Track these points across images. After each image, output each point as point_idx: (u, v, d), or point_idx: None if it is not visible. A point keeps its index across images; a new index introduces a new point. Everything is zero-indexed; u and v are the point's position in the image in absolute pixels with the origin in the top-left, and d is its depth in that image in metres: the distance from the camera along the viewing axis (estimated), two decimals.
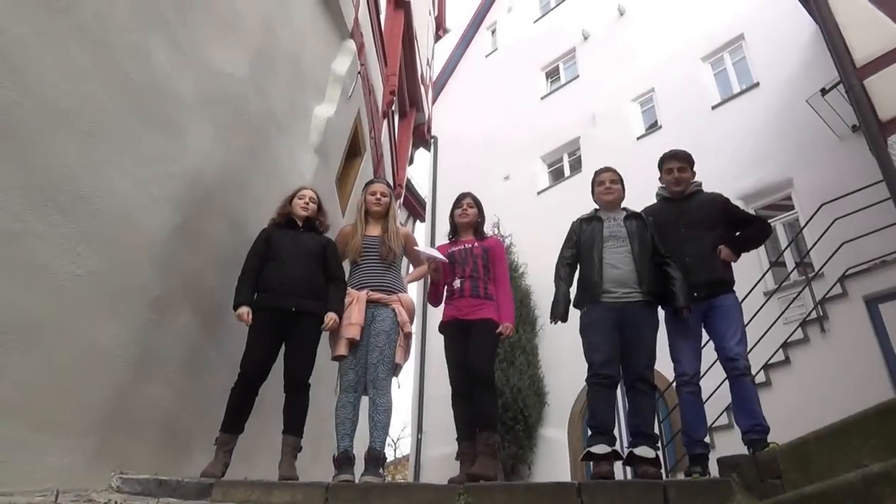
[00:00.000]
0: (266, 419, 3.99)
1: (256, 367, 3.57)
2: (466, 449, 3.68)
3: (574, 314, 3.80)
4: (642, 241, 3.75)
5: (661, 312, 3.76)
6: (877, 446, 2.20)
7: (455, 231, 4.23)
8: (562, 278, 3.85)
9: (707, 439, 3.55)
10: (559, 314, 3.76)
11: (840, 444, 2.39)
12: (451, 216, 4.24)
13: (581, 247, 3.85)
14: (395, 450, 25.10)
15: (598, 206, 4.05)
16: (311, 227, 4.07)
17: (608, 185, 3.98)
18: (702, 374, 3.73)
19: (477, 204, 4.21)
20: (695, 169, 4.08)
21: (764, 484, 2.71)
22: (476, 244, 4.06)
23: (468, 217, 4.15)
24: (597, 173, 4.12)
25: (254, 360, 3.58)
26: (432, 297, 4.20)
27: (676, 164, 4.02)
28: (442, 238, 4.45)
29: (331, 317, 3.70)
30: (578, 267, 3.87)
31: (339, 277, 3.93)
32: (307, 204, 4.05)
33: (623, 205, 4.02)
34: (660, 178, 4.12)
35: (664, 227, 3.88)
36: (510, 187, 12.88)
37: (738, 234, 3.93)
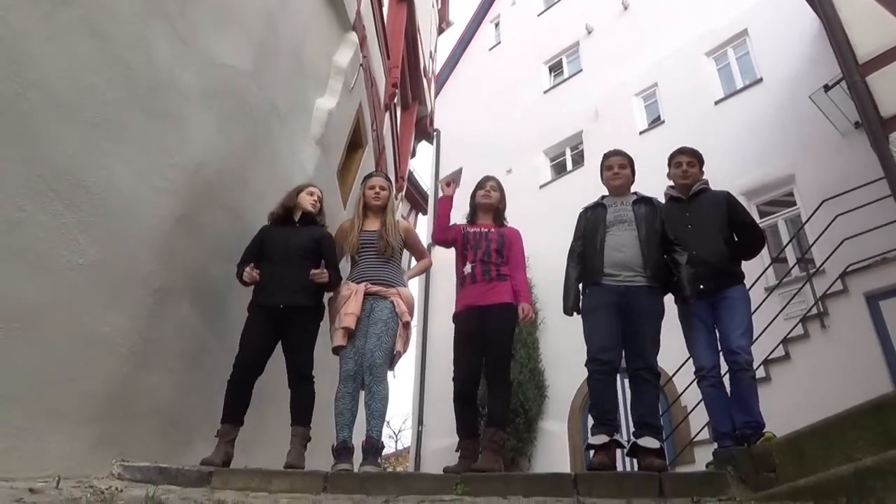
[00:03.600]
0: (265, 411, 4.02)
1: (248, 361, 3.61)
2: (468, 447, 3.62)
3: None
4: (650, 226, 3.67)
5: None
6: (871, 440, 2.22)
7: (474, 213, 4.14)
8: (570, 272, 3.79)
9: (737, 431, 3.46)
10: (569, 308, 3.73)
11: (834, 438, 2.40)
12: (473, 197, 4.15)
13: (585, 233, 3.80)
14: (396, 442, 25.22)
15: (606, 191, 4.01)
16: (308, 221, 4.07)
17: (616, 169, 3.92)
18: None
19: (500, 188, 4.15)
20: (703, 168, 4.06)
21: (759, 477, 2.73)
22: (493, 229, 3.98)
23: (490, 199, 4.07)
24: (605, 157, 4.05)
25: (246, 355, 3.62)
26: (437, 221, 4.05)
27: (685, 158, 3.99)
28: None
29: (322, 270, 3.76)
30: None
31: (333, 266, 3.94)
32: (316, 202, 4.07)
33: (645, 196, 3.91)
34: (668, 175, 4.08)
35: (671, 224, 3.81)
36: (512, 181, 12.75)
37: (735, 240, 3.87)
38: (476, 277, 3.82)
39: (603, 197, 3.99)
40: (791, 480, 2.39)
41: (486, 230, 3.97)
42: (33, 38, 2.59)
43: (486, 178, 4.18)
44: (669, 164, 4.08)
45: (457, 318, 3.88)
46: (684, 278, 3.57)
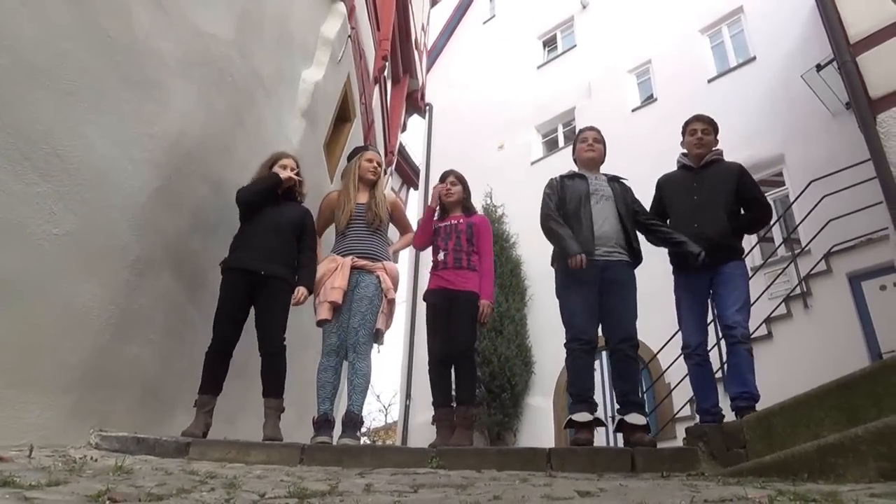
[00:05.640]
0: (250, 381, 4.02)
1: (225, 327, 3.61)
2: (443, 415, 3.75)
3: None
4: (625, 203, 3.78)
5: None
6: (836, 418, 2.26)
7: (443, 209, 4.22)
8: (559, 224, 3.66)
9: (721, 405, 3.57)
10: (575, 252, 3.48)
11: (802, 416, 2.44)
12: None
13: (567, 204, 3.77)
14: (385, 415, 25.47)
15: (576, 166, 4.04)
16: (290, 197, 4.05)
17: (591, 142, 3.98)
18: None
19: (461, 181, 4.20)
20: (718, 137, 3.96)
21: (729, 453, 2.78)
22: (462, 220, 4.07)
23: (453, 196, 4.15)
24: (581, 131, 4.13)
25: (225, 324, 3.62)
26: (421, 231, 4.20)
27: (700, 125, 3.93)
28: None
29: (301, 291, 3.74)
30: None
31: (311, 248, 3.96)
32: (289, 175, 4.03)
33: (616, 174, 3.98)
34: (681, 143, 4.03)
35: (678, 194, 3.86)
36: (504, 157, 12.83)
37: (741, 214, 3.81)
38: (448, 264, 3.94)
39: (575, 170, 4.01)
40: (759, 457, 2.44)
41: (456, 222, 4.08)
42: (5, 2, 2.54)
43: (446, 174, 4.26)
44: (683, 133, 4.02)
45: (429, 295, 4.01)
46: (688, 244, 3.56)
